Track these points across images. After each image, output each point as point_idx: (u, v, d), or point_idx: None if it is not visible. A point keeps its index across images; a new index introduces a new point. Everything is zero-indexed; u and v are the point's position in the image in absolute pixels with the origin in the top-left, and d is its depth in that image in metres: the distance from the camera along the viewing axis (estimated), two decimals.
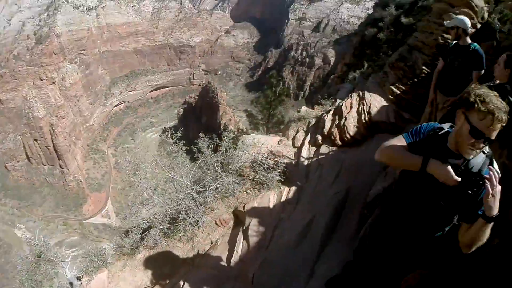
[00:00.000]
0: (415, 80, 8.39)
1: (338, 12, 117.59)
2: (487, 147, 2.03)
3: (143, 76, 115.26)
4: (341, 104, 8.83)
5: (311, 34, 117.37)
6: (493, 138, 1.87)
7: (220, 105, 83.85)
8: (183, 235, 6.06)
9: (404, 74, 8.92)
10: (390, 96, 8.68)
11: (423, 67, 8.33)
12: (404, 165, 2.37)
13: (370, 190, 5.51)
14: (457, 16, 4.89)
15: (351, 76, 16.96)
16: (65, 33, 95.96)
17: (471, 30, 4.84)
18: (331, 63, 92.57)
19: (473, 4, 7.60)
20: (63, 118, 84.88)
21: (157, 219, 6.06)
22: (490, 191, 1.80)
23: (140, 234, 6.03)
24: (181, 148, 6.80)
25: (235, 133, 9.96)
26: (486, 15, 7.65)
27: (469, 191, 1.99)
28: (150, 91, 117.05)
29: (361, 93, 8.96)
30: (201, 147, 6.62)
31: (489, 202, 1.83)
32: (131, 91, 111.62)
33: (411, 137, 2.31)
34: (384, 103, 8.49)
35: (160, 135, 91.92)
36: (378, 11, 26.97)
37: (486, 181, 1.83)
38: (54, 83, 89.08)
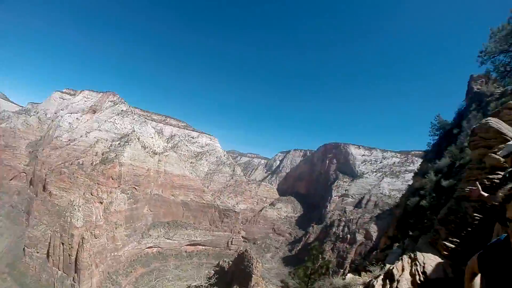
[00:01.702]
0: (469, 229, 7.45)
1: (379, 187, 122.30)
2: None
3: (184, 229, 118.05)
4: (391, 267, 8.13)
5: (353, 210, 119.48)
6: (510, 215, 1.96)
7: (253, 275, 79.28)
8: None
9: (456, 227, 8.04)
10: (444, 252, 7.70)
11: (475, 214, 7.54)
12: None
13: None
14: (508, 143, 4.68)
15: (400, 242, 15.73)
16: (127, 165, 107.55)
17: None
18: (373, 239, 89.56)
19: (508, 138, 7.50)
20: (96, 238, 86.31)
21: None
22: None
23: None
24: None
25: None
26: None
27: None
28: (186, 245, 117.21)
29: (412, 254, 8.28)
30: None
31: None
32: (168, 238, 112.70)
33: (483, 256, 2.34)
34: (439, 260, 7.57)
35: None
36: (418, 180, 27.39)
37: None
38: (101, 202, 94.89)
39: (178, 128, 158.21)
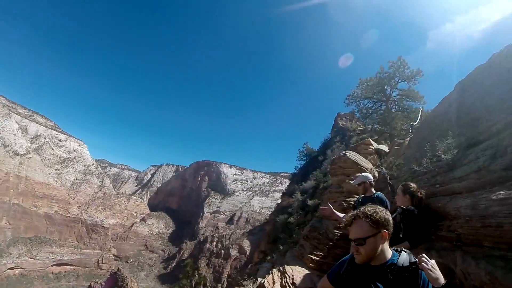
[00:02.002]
0: (331, 243, 8.61)
1: (250, 204, 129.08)
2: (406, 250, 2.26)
3: (48, 246, 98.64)
4: (263, 281, 8.35)
5: (226, 226, 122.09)
6: (352, 238, 2.15)
7: None
8: None
9: (319, 242, 9.12)
10: (310, 264, 8.54)
11: (335, 231, 8.77)
12: None
13: None
14: (360, 174, 5.68)
15: (269, 257, 16.74)
16: None
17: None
18: (247, 253, 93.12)
19: (363, 168, 9.12)
20: None
21: None
22: (427, 266, 1.98)
23: None
24: None
25: None
26: (376, 174, 9.04)
27: (414, 281, 2.05)
28: (52, 265, 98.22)
29: (281, 268, 8.77)
30: None
31: (432, 275, 1.96)
32: (31, 258, 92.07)
33: (332, 274, 2.46)
34: (306, 271, 8.30)
35: None
36: (286, 199, 29.93)
37: (422, 260, 2.01)
38: None
39: (45, 128, 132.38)
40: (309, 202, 17.99)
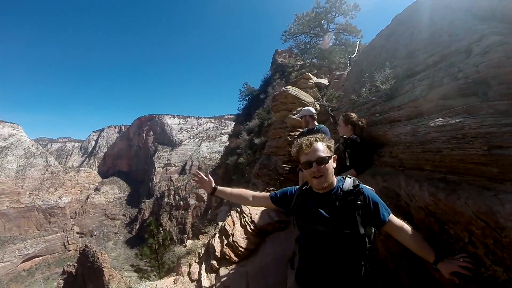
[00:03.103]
0: (281, 178, 8.94)
1: (199, 151, 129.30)
2: (350, 176, 2.35)
3: (11, 245, 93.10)
4: (223, 224, 8.75)
5: (179, 177, 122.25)
6: (313, 159, 2.13)
7: (104, 268, 71.83)
8: None
9: (270, 178, 9.43)
10: None
11: (284, 165, 9.08)
12: None
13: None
14: (302, 108, 5.73)
15: (225, 200, 17.27)
16: None
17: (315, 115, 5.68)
18: (205, 200, 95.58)
19: (304, 102, 9.29)
20: None
21: None
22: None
23: None
24: None
25: None
26: (317, 107, 9.31)
27: (359, 202, 2.10)
28: (21, 262, 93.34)
29: (238, 209, 9.15)
30: None
31: None
32: None
33: (279, 198, 2.58)
34: (263, 208, 8.62)
35: None
36: (233, 141, 30.26)
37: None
38: None
39: None
40: (256, 141, 18.43)
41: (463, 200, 2.17)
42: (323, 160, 2.13)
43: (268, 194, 2.67)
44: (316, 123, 5.58)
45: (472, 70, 2.66)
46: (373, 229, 2.22)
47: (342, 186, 2.20)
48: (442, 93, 2.97)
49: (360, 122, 4.34)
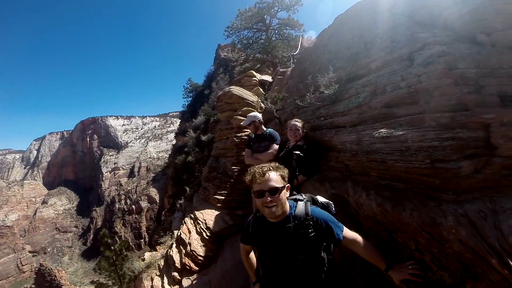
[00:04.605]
0: (232, 180, 8.86)
1: (146, 152, 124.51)
2: (303, 195, 2.47)
3: None
4: (179, 233, 8.66)
5: (128, 180, 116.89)
6: (266, 189, 2.12)
7: (63, 286, 67.16)
8: None
9: (221, 181, 9.30)
10: (218, 205, 8.79)
11: (233, 167, 8.99)
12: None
13: None
14: (248, 114, 5.59)
15: (178, 205, 16.97)
16: None
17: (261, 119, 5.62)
18: (157, 201, 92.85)
19: (249, 101, 9.25)
20: None
21: None
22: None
23: None
24: None
25: None
26: (262, 105, 9.32)
27: (310, 231, 2.14)
28: None
29: (192, 215, 9.07)
30: None
31: None
32: None
33: (243, 238, 2.58)
34: (216, 212, 8.64)
35: None
36: (180, 139, 29.51)
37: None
38: None
39: None
40: (203, 138, 18.18)
41: (408, 211, 2.24)
42: (276, 190, 2.14)
43: (242, 245, 2.66)
44: (264, 128, 5.56)
45: (415, 80, 2.73)
46: (331, 245, 2.26)
47: (294, 213, 2.23)
48: (385, 102, 3.04)
49: (304, 128, 4.52)
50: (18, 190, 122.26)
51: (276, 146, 5.16)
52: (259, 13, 22.11)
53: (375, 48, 3.90)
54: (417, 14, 3.69)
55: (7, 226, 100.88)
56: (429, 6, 3.52)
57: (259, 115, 5.56)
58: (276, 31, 23.84)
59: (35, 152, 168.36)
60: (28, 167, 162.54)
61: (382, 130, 2.76)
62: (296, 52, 17.27)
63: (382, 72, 3.42)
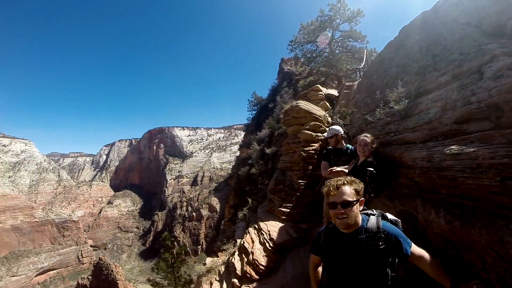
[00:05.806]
0: (298, 194, 9.00)
1: (210, 162, 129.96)
2: (373, 210, 2.58)
3: (26, 258, 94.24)
4: (242, 242, 8.96)
5: (191, 188, 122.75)
6: (338, 201, 2.29)
7: (118, 281, 72.29)
8: None
9: (287, 194, 9.47)
10: (282, 217, 8.98)
11: (299, 181, 9.13)
12: None
13: None
14: (331, 126, 5.77)
15: (240, 215, 17.39)
16: None
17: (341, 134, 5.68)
18: (218, 210, 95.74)
19: (316, 116, 9.39)
20: None
21: None
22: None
23: None
24: None
25: None
26: (329, 119, 9.41)
27: (381, 244, 2.28)
28: (36, 276, 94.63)
29: (256, 226, 9.35)
30: None
31: None
32: (13, 276, 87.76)
33: (313, 248, 2.71)
34: (280, 224, 8.79)
35: None
36: (244, 151, 30.42)
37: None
38: None
39: None
40: (267, 151, 18.46)
41: (477, 229, 2.31)
42: (348, 204, 2.28)
43: (312, 257, 2.82)
44: (344, 143, 5.63)
45: (485, 95, 2.74)
46: (396, 260, 2.37)
47: (366, 226, 2.37)
48: (455, 117, 3.07)
49: (374, 144, 4.47)
50: (87, 189, 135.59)
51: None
52: (321, 26, 22.18)
53: (443, 61, 3.89)
54: (484, 23, 3.62)
55: (73, 220, 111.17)
56: (495, 14, 3.46)
57: (341, 130, 5.65)
58: (339, 44, 23.68)
59: (104, 157, 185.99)
60: (97, 169, 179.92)
61: (453, 147, 2.81)
62: (361, 65, 16.99)
63: (452, 86, 3.43)
